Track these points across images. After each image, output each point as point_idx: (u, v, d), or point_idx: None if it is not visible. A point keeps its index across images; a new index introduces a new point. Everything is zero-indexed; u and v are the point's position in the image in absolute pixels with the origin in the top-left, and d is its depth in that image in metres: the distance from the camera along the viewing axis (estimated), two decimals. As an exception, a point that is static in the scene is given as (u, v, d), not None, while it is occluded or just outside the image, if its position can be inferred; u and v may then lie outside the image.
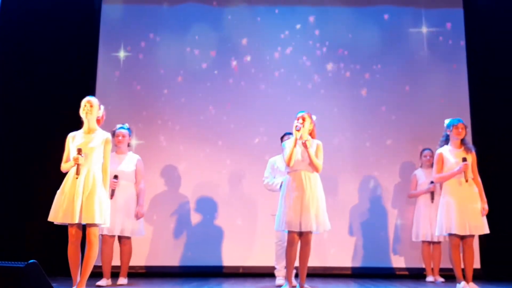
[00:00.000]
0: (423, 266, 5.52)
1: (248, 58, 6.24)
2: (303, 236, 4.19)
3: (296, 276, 4.41)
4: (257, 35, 6.28)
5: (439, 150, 4.63)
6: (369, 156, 6.06)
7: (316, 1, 6.35)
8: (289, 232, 4.18)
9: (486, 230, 4.47)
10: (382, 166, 6.03)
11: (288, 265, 4.24)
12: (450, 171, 4.50)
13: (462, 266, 4.51)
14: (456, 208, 4.37)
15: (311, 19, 6.31)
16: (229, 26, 6.30)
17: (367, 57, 6.22)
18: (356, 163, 6.04)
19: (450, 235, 4.43)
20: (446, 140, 4.65)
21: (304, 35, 6.28)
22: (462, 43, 6.24)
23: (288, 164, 4.25)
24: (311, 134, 4.38)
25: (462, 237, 4.44)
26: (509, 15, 6.08)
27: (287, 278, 4.26)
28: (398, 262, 5.85)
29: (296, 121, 4.29)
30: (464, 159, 4.45)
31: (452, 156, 4.53)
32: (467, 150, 4.56)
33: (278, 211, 4.24)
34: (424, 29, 6.28)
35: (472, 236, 4.46)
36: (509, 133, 5.88)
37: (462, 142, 4.60)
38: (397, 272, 5.81)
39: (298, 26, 6.30)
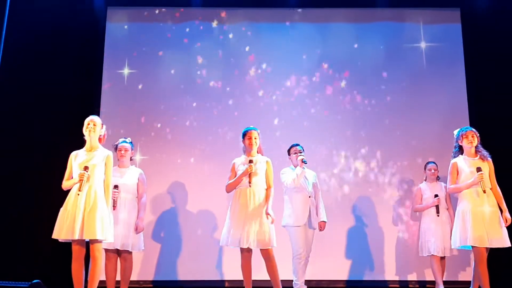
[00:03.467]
0: (414, 278, 5.57)
1: (252, 73, 6.33)
2: (262, 252, 4.29)
3: None
4: (260, 52, 6.36)
5: (454, 160, 4.48)
6: (370, 169, 6.09)
7: (317, 17, 6.45)
8: (241, 248, 4.30)
9: (507, 243, 4.22)
10: (382, 180, 6.05)
11: (244, 280, 4.38)
12: (465, 182, 4.32)
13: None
14: (473, 219, 4.18)
15: (312, 34, 6.39)
16: (232, 43, 6.39)
17: (367, 72, 6.30)
18: (355, 176, 6.07)
19: (474, 247, 4.20)
20: (459, 151, 4.51)
21: (306, 51, 6.36)
22: (460, 58, 6.31)
23: (227, 191, 4.50)
24: (259, 150, 4.56)
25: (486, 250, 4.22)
26: (506, 31, 6.16)
27: None
28: (392, 275, 5.84)
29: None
30: (479, 169, 4.28)
31: (467, 165, 4.36)
32: (483, 158, 4.39)
33: (224, 226, 4.38)
34: (423, 44, 6.37)
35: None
36: (509, 146, 5.91)
37: (477, 150, 4.44)
38: (390, 285, 5.80)
39: (299, 42, 6.38)
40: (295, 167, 4.85)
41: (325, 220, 4.90)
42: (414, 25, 6.41)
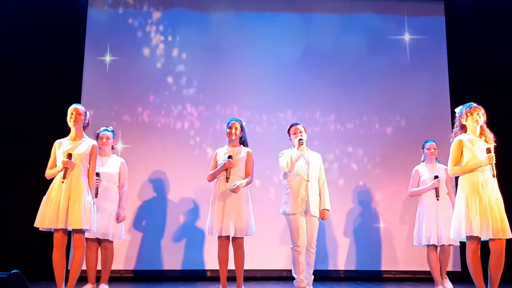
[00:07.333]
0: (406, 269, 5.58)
1: (235, 62, 6.27)
2: (234, 241, 4.33)
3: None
4: (243, 40, 6.32)
5: (458, 138, 3.86)
6: (356, 161, 6.14)
7: (302, 7, 6.43)
8: (219, 237, 4.32)
9: (510, 234, 3.67)
10: (371, 171, 6.12)
11: (220, 268, 4.35)
12: (472, 163, 3.71)
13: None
14: (480, 207, 3.62)
15: (296, 24, 6.37)
16: (215, 31, 6.34)
17: (351, 64, 6.31)
18: (345, 169, 6.12)
19: (471, 237, 3.64)
20: (461, 130, 3.94)
21: (288, 41, 6.33)
22: (444, 50, 6.37)
23: (208, 181, 4.49)
24: (241, 142, 4.55)
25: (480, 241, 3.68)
26: (488, 24, 6.24)
27: (221, 281, 4.36)
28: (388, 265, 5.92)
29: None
30: (489, 150, 3.69)
31: (472, 146, 3.78)
32: (488, 140, 3.82)
33: (208, 217, 4.39)
34: (407, 37, 6.41)
35: (501, 239, 3.63)
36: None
37: (482, 131, 3.87)
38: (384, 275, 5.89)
39: (283, 32, 6.35)
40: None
41: (328, 208, 4.51)
42: (398, 17, 6.44)
